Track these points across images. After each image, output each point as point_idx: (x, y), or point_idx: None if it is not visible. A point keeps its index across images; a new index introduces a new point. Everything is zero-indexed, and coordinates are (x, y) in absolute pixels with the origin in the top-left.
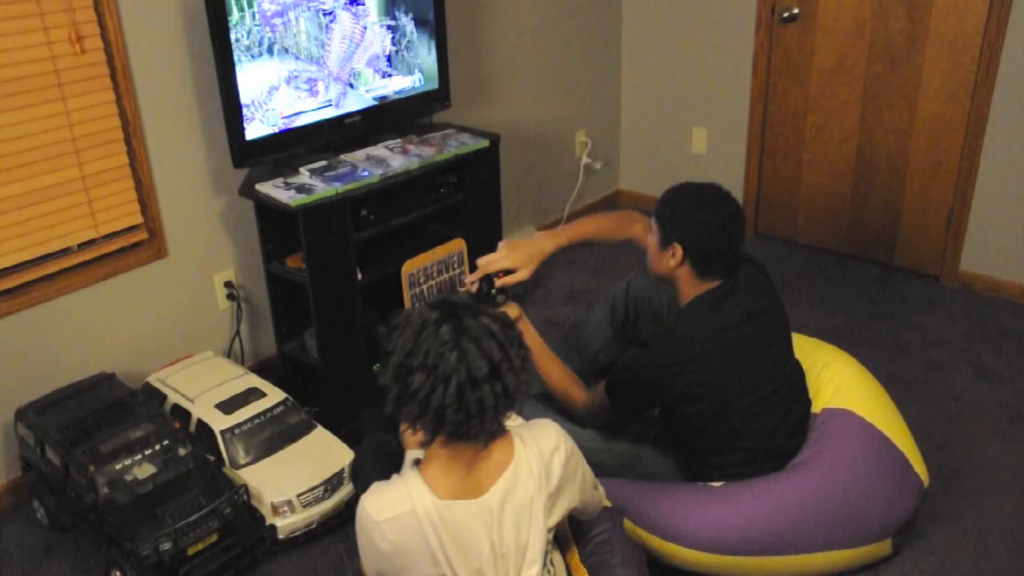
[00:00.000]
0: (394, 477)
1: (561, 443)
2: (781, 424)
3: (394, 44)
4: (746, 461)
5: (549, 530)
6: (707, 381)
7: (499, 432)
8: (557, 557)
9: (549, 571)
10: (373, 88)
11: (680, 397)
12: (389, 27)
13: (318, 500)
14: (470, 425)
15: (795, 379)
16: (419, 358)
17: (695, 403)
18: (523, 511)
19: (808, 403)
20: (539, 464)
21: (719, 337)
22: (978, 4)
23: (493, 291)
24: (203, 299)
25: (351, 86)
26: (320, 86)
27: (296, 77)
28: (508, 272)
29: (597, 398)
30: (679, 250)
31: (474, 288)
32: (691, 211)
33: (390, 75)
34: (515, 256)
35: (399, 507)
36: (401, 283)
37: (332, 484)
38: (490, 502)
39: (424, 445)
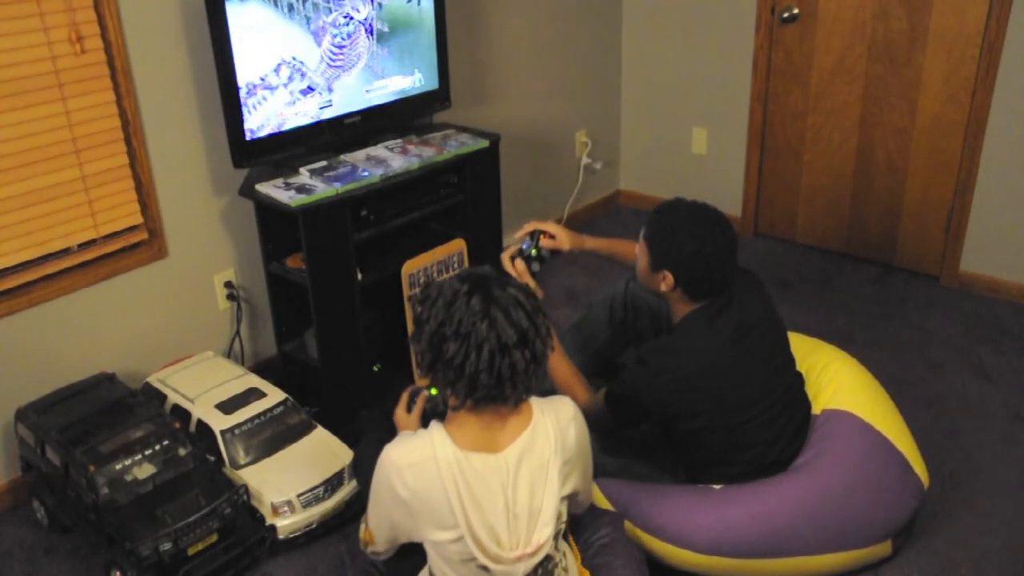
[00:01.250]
0: (419, 431)
1: (577, 415)
2: (781, 434)
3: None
4: (746, 472)
5: (562, 499)
6: (706, 398)
7: (528, 395)
8: (568, 550)
9: (561, 561)
10: (373, 89)
11: (679, 413)
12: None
13: (318, 500)
14: (503, 388)
15: (795, 388)
16: (452, 327)
17: (694, 419)
18: (539, 473)
19: (808, 407)
20: (556, 430)
21: (716, 353)
22: (978, 4)
23: (535, 251)
24: (203, 299)
25: (351, 87)
26: (321, 87)
27: (296, 77)
28: (551, 239)
29: (598, 404)
30: (670, 278)
31: (513, 248)
32: (682, 244)
33: (387, 75)
34: (561, 229)
35: (422, 454)
36: (401, 283)
37: (332, 484)
38: (507, 459)
39: (455, 409)
